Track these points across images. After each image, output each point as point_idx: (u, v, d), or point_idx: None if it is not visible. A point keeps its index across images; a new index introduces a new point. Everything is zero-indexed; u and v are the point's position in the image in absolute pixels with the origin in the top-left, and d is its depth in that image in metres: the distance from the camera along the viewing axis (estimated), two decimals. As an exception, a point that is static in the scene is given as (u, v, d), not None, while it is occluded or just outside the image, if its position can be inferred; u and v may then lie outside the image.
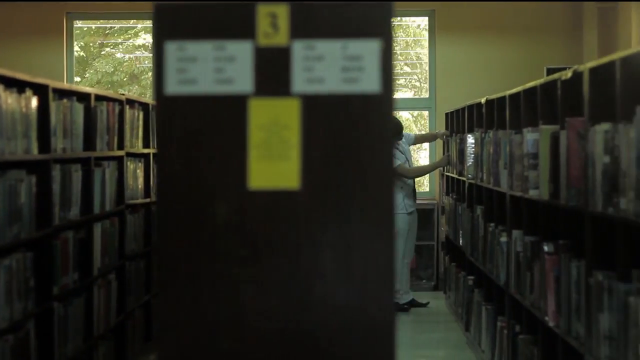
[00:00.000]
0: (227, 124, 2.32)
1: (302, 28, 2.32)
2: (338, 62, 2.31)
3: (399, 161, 8.73)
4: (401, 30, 12.04)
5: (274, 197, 2.32)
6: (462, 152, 7.92)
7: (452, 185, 8.91)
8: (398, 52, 12.10)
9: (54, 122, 4.75)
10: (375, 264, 2.32)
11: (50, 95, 4.72)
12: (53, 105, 4.76)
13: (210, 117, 2.32)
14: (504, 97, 6.09)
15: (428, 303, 8.91)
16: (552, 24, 10.05)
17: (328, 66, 2.31)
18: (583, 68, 4.21)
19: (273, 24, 2.31)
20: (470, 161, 7.40)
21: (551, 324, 4.74)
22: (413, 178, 8.88)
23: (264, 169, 2.31)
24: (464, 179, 7.86)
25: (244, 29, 2.32)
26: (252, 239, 2.31)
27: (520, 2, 10.01)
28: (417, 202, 9.37)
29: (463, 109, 8.03)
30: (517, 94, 5.68)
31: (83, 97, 5.43)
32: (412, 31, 11.39)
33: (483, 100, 6.87)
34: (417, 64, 10.67)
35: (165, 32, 2.32)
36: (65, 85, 5.11)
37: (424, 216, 9.90)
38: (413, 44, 11.00)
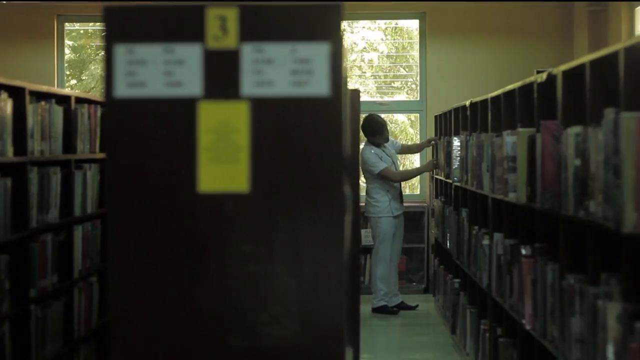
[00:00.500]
0: (176, 127, 2.31)
1: (252, 31, 2.32)
2: (287, 65, 2.31)
3: (384, 164, 8.70)
4: (396, 33, 12.03)
5: (223, 200, 2.31)
6: (449, 155, 7.91)
7: (440, 188, 8.90)
8: (394, 55, 12.09)
9: (30, 125, 4.75)
10: (325, 267, 2.32)
11: (27, 97, 4.72)
12: (30, 108, 4.76)
13: (159, 120, 2.31)
14: (486, 100, 6.09)
15: (417, 306, 8.90)
16: (543, 27, 10.04)
17: (277, 69, 2.31)
18: (557, 71, 4.21)
19: (222, 26, 2.31)
20: (456, 164, 7.39)
21: (528, 327, 4.74)
22: (399, 182, 8.85)
23: (213, 172, 2.31)
24: (451, 181, 7.86)
25: (194, 32, 2.31)
26: (201, 242, 2.31)
27: (511, 4, 10.00)
28: (408, 204, 9.36)
29: (450, 111, 8.03)
30: (498, 97, 5.68)
31: (63, 99, 5.43)
32: (407, 34, 11.37)
33: (467, 103, 6.87)
34: (414, 67, 10.64)
35: (114, 35, 2.31)
36: (43, 87, 5.11)
37: (415, 219, 9.89)
38: (409, 47, 10.98)
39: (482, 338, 6.19)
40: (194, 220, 2.31)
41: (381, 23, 11.98)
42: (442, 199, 8.60)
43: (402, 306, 8.86)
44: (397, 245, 8.89)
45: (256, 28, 2.32)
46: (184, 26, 2.31)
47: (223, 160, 2.31)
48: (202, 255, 2.31)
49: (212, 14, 2.31)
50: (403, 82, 11.12)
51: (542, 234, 4.57)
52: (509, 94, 5.38)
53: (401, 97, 11.06)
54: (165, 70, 2.31)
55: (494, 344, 5.74)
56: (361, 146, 8.68)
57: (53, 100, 5.19)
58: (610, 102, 3.47)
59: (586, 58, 3.72)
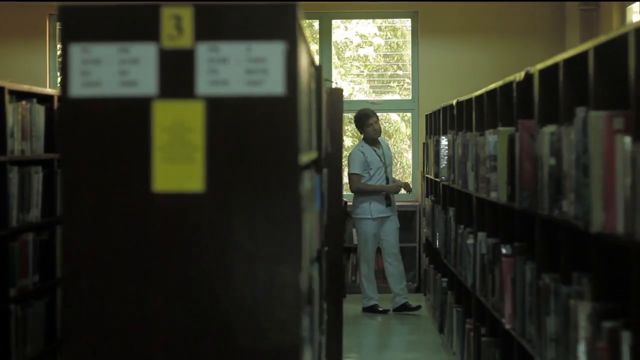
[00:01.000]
0: (131, 126, 2.31)
1: (207, 30, 2.31)
2: (242, 64, 2.30)
3: (355, 169, 8.71)
4: (392, 32, 12.02)
5: (178, 199, 2.31)
6: (437, 154, 7.91)
7: (430, 187, 8.90)
8: (389, 54, 12.07)
9: (10, 124, 4.75)
10: (281, 267, 2.31)
11: (7, 97, 4.72)
12: (10, 107, 4.76)
13: (114, 119, 2.31)
14: (471, 99, 6.09)
15: (419, 307, 8.85)
16: (535, 26, 10.03)
17: (232, 68, 2.30)
18: (534, 70, 4.20)
19: (177, 26, 2.30)
20: (443, 163, 7.39)
21: (507, 326, 4.73)
22: (354, 192, 8.80)
23: (168, 171, 2.31)
24: (439, 180, 7.86)
25: (148, 31, 2.31)
26: (157, 242, 2.31)
27: (503, 4, 9.99)
28: (400, 203, 9.34)
29: (439, 110, 8.03)
30: (482, 96, 5.67)
31: (46, 99, 5.43)
32: (401, 33, 11.36)
33: (454, 102, 6.86)
34: (407, 66, 10.63)
35: (70, 34, 2.31)
36: (24, 87, 5.11)
37: (407, 218, 9.88)
38: (404, 46, 10.96)
39: (467, 337, 6.19)
40: (149, 220, 2.31)
41: (376, 20, 11.96)
42: (432, 198, 8.60)
43: (406, 306, 8.79)
44: (386, 246, 8.81)
45: (211, 27, 2.31)
46: (138, 25, 2.31)
47: (178, 160, 2.30)
48: (157, 255, 2.31)
49: (167, 14, 2.30)
50: (397, 81, 11.11)
51: (522, 233, 4.56)
52: (491, 93, 5.38)
53: (394, 96, 11.04)
54: (120, 70, 2.30)
55: (478, 343, 5.74)
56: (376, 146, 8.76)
57: (34, 100, 5.19)
58: (584, 101, 3.46)
59: (559, 57, 3.72)
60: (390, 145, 9.12)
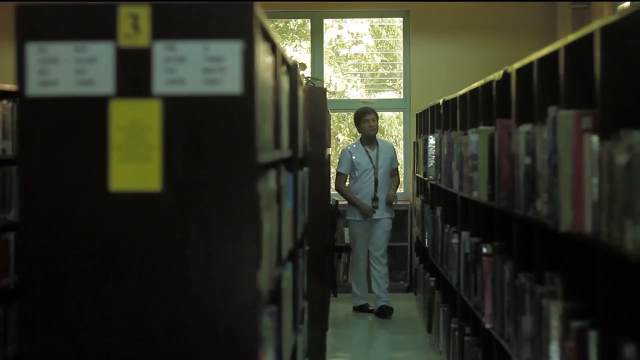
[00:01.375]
0: (88, 125, 2.30)
1: (164, 29, 2.30)
2: (199, 63, 2.30)
3: (342, 168, 8.63)
4: (386, 31, 12.02)
5: (135, 198, 2.30)
6: (425, 153, 7.90)
7: (420, 187, 8.89)
8: (383, 52, 12.06)
9: (-10, 123, 4.76)
10: (239, 266, 2.30)
11: (-13, 96, 4.72)
12: (-10, 106, 4.76)
13: (71, 118, 2.30)
14: (456, 99, 6.08)
15: (373, 310, 8.75)
16: (527, 25, 10.02)
17: (189, 67, 2.29)
18: (511, 69, 4.19)
19: (134, 24, 2.30)
20: (431, 162, 7.38)
21: (487, 325, 4.73)
22: (336, 191, 8.80)
23: (125, 170, 2.30)
24: (427, 179, 7.86)
25: (105, 30, 2.30)
26: (114, 241, 2.30)
27: (494, 3, 9.98)
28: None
29: (427, 110, 8.02)
30: (465, 95, 5.67)
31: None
32: (395, 32, 11.35)
33: (441, 101, 6.86)
34: (399, 65, 10.64)
35: (26, 33, 2.30)
36: (6, 86, 5.11)
37: (398, 217, 9.86)
38: (396, 46, 10.96)
39: (452, 337, 6.18)
40: (106, 219, 2.30)
41: (372, 21, 11.96)
42: (422, 198, 8.59)
43: (382, 309, 8.66)
44: (371, 248, 8.70)
45: (168, 26, 2.31)
46: (95, 24, 2.30)
47: (135, 159, 2.30)
48: (114, 254, 2.30)
49: (124, 12, 2.30)
50: (391, 80, 11.10)
51: (501, 233, 4.55)
52: (474, 93, 5.37)
53: (386, 95, 11.02)
54: (77, 69, 2.30)
55: (462, 343, 5.73)
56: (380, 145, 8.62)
57: (15, 99, 5.18)
58: (558, 100, 3.45)
59: (534, 56, 3.71)
60: (392, 148, 8.88)
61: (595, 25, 2.83)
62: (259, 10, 2.38)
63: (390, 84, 11.16)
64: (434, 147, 7.23)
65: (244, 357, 2.31)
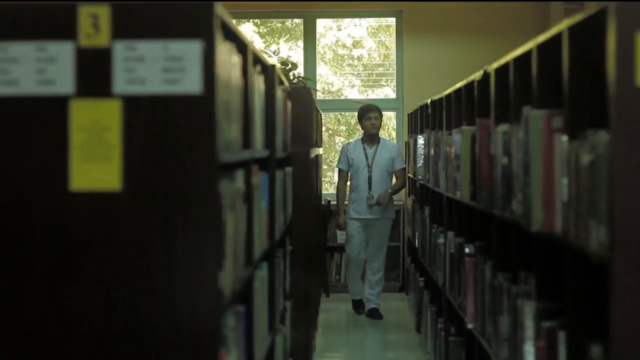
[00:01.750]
0: (48, 125, 2.30)
1: (124, 29, 2.30)
2: (159, 63, 2.29)
3: (342, 165, 8.51)
4: (384, 31, 12.01)
5: (95, 198, 2.30)
6: (415, 153, 7.90)
7: (411, 187, 8.89)
8: (382, 53, 12.05)
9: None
10: (198, 266, 2.30)
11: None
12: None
13: (31, 118, 2.30)
14: (442, 98, 6.08)
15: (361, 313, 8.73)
16: (520, 25, 10.00)
17: (149, 67, 2.29)
18: (490, 69, 4.19)
19: (94, 24, 2.30)
20: (420, 162, 7.38)
21: (470, 325, 4.72)
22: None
23: (85, 170, 2.30)
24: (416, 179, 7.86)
25: (65, 30, 2.30)
26: (74, 241, 2.30)
27: (487, 3, 9.97)
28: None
29: (417, 109, 8.02)
30: (450, 95, 5.66)
31: None
32: (391, 32, 11.35)
33: (429, 101, 6.85)
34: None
35: (-14, 33, 2.30)
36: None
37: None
38: (392, 46, 10.96)
39: (439, 337, 6.18)
40: (66, 219, 2.30)
41: (369, 21, 11.96)
42: (413, 198, 8.58)
43: (372, 312, 8.59)
44: (368, 252, 8.57)
45: (128, 26, 2.30)
46: (56, 24, 2.30)
47: (95, 159, 2.30)
48: (75, 253, 2.30)
49: (84, 12, 2.29)
50: (387, 79, 11.10)
51: (483, 233, 4.55)
52: (458, 92, 5.37)
53: (380, 94, 11.01)
54: (37, 69, 2.30)
55: (447, 343, 5.73)
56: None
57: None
58: (529, 100, 3.45)
59: (510, 56, 3.71)
60: (396, 149, 8.67)
61: (563, 24, 2.83)
62: (220, 10, 2.37)
63: (387, 83, 11.15)
64: (423, 147, 7.23)
65: (205, 357, 2.30)
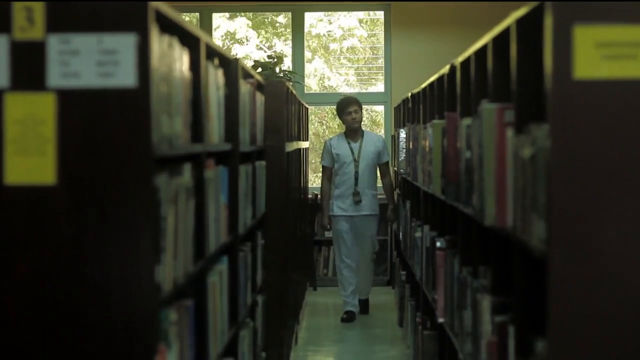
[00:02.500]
0: (-18, 118, 2.29)
1: (58, 22, 2.29)
2: (93, 56, 2.28)
3: (325, 161, 8.25)
4: (373, 24, 11.99)
5: (30, 192, 2.29)
6: (397, 147, 7.89)
7: (397, 181, 8.87)
8: (373, 47, 12.04)
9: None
10: (133, 260, 2.29)
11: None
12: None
13: (-35, 112, 2.29)
14: (419, 92, 6.06)
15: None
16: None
17: (83, 60, 2.28)
18: (456, 62, 4.17)
19: (28, 17, 2.28)
20: (402, 156, 7.36)
21: (440, 320, 4.71)
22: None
23: (20, 164, 2.29)
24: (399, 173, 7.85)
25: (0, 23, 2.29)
26: (9, 234, 2.29)
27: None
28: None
29: (400, 104, 8.01)
30: (426, 89, 5.65)
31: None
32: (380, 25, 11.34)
33: (409, 95, 6.84)
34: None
35: None
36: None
37: (380, 211, 9.83)
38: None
39: (417, 331, 6.17)
40: (0, 213, 2.29)
41: (359, 13, 11.93)
42: (398, 192, 8.58)
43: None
44: (355, 248, 8.31)
45: (62, 19, 2.29)
46: (-11, 17, 2.29)
47: (29, 152, 2.29)
48: (9, 247, 2.29)
49: (19, 5, 2.28)
50: (378, 73, 11.08)
51: (453, 227, 4.54)
52: (432, 86, 5.35)
53: (370, 88, 11.00)
54: (-29, 62, 2.28)
55: (423, 337, 5.72)
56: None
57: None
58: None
59: (472, 49, 3.69)
60: (381, 141, 8.35)
61: (511, 17, 2.81)
62: (160, 4, 2.36)
63: (379, 77, 11.14)
64: (405, 140, 7.22)
65: (142, 351, 2.29)
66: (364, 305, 8.47)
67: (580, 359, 2.32)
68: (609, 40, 2.27)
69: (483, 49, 3.42)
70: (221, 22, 11.80)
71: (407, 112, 7.10)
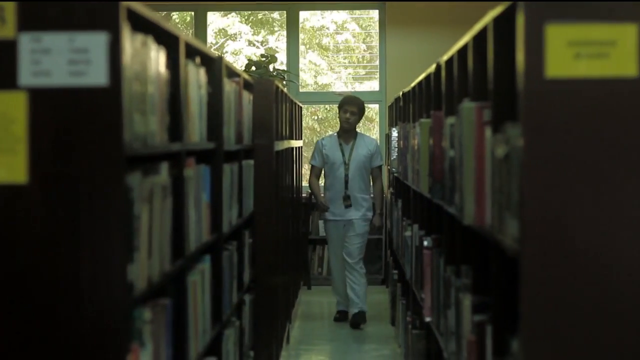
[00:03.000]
0: (-46, 117, 2.29)
1: (30, 21, 2.28)
2: (65, 55, 2.28)
3: (314, 161, 7.97)
4: (366, 22, 11.99)
5: (2, 191, 2.29)
6: (390, 146, 7.88)
7: (391, 180, 8.87)
8: (368, 45, 12.04)
9: None
10: (105, 260, 2.28)
11: None
12: None
13: (-63, 110, 2.29)
14: (409, 91, 6.06)
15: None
16: (503, 17, 9.96)
17: (55, 59, 2.28)
18: (441, 61, 4.17)
19: (0, 16, 2.28)
20: (394, 155, 7.36)
21: (427, 319, 4.71)
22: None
23: (-9, 163, 2.28)
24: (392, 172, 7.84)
25: (-29, 22, 2.29)
26: (-20, 234, 2.29)
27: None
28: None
29: (393, 103, 8.00)
30: (415, 88, 5.65)
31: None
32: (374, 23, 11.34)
33: (400, 93, 6.84)
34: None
35: None
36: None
37: (374, 210, 9.83)
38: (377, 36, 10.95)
39: (407, 330, 6.17)
40: (-28, 212, 2.29)
41: (354, 13, 11.93)
42: (391, 190, 8.57)
43: (357, 317, 7.92)
44: (346, 255, 7.96)
45: (34, 18, 2.29)
46: (-39, 16, 2.28)
47: (1, 151, 2.28)
48: (-20, 247, 2.29)
49: (-10, 4, 2.28)
50: (370, 72, 11.08)
51: (440, 225, 4.54)
52: (420, 85, 5.35)
53: (363, 86, 10.99)
54: (-57, 61, 2.28)
55: (411, 336, 5.72)
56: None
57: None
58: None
59: (454, 48, 3.69)
60: (374, 145, 7.97)
61: (489, 16, 2.81)
62: (134, 3, 2.36)
63: (374, 75, 11.13)
64: (397, 139, 7.21)
65: (113, 349, 2.29)
66: (357, 319, 7.87)
67: (553, 358, 2.31)
68: (580, 39, 2.27)
69: (465, 47, 3.41)
70: (215, 19, 11.82)
71: (399, 111, 7.09)
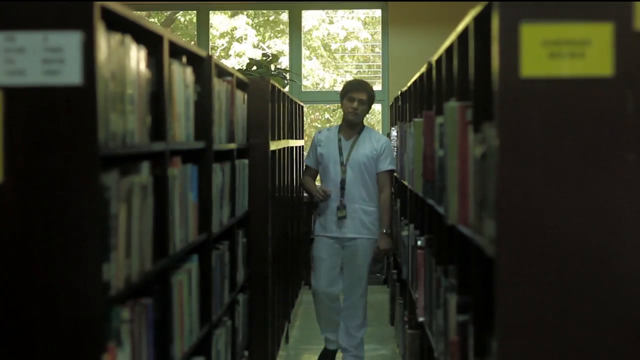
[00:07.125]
0: None
1: (4, 19, 2.28)
2: (39, 54, 2.28)
3: (308, 160, 6.33)
4: (375, 22, 11.98)
5: (-23, 190, 2.29)
6: (390, 145, 7.87)
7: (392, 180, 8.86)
8: (373, 44, 12.03)
9: None
10: (80, 259, 2.28)
11: None
12: None
13: None
14: (406, 91, 6.05)
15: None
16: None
17: (29, 58, 2.28)
18: (432, 60, 4.16)
19: (-26, 15, 2.28)
20: (394, 154, 7.34)
21: (420, 318, 4.70)
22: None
23: (-34, 162, 2.28)
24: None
25: (-54, 21, 2.29)
26: (-44, 233, 2.29)
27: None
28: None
29: (393, 102, 8.00)
30: (410, 87, 5.64)
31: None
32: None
33: (399, 93, 6.83)
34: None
35: None
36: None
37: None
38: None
39: (404, 329, 6.16)
40: (-54, 211, 2.29)
41: (359, 13, 11.92)
42: (392, 190, 8.55)
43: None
44: (344, 281, 6.26)
45: (7, 17, 2.29)
46: (-64, 15, 2.29)
47: (-24, 151, 2.28)
48: (-45, 246, 2.29)
49: (-35, 3, 2.28)
50: (373, 71, 11.07)
51: (432, 226, 4.53)
52: (415, 84, 5.34)
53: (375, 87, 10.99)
54: None
55: (407, 336, 5.71)
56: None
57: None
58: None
59: (443, 47, 3.68)
60: (384, 144, 6.23)
61: (469, 15, 2.80)
62: (112, 3, 2.36)
63: (377, 75, 11.13)
64: (396, 139, 7.20)
65: (89, 349, 2.29)
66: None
67: (529, 358, 2.31)
68: (555, 39, 2.26)
69: (451, 47, 3.40)
70: (222, 20, 11.82)
71: (398, 111, 7.08)
